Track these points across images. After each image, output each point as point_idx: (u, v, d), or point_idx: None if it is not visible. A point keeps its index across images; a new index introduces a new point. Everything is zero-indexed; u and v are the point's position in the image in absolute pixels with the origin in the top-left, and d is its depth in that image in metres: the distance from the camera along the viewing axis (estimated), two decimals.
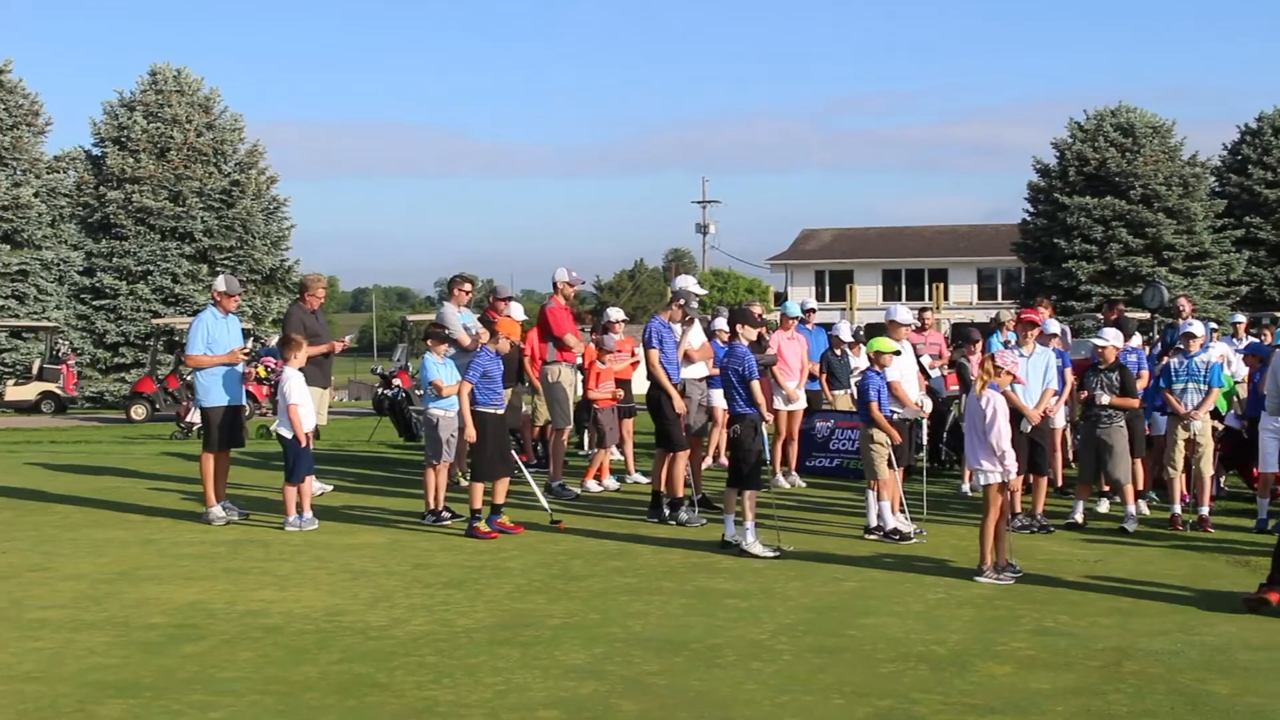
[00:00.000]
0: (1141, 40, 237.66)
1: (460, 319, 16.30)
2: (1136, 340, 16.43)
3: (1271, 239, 48.39)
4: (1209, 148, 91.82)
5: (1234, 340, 19.53)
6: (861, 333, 21.55)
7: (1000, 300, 63.21)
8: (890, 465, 13.72)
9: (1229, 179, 50.12)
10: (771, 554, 12.71)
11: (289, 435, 14.20)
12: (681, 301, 15.19)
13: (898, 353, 13.98)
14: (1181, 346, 14.70)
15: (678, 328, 15.12)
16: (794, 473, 17.81)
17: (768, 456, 15.67)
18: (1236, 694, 8.33)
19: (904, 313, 14.93)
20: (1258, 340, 19.00)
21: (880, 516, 13.69)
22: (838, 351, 18.45)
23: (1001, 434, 11.76)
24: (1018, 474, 12.34)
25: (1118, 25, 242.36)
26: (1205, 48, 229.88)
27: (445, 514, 14.64)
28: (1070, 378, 15.46)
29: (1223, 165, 51.16)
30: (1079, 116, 48.09)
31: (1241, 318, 19.87)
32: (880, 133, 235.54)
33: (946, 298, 67.37)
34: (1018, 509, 14.19)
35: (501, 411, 14.20)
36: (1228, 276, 46.61)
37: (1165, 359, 15.12)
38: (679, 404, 14.52)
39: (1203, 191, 47.48)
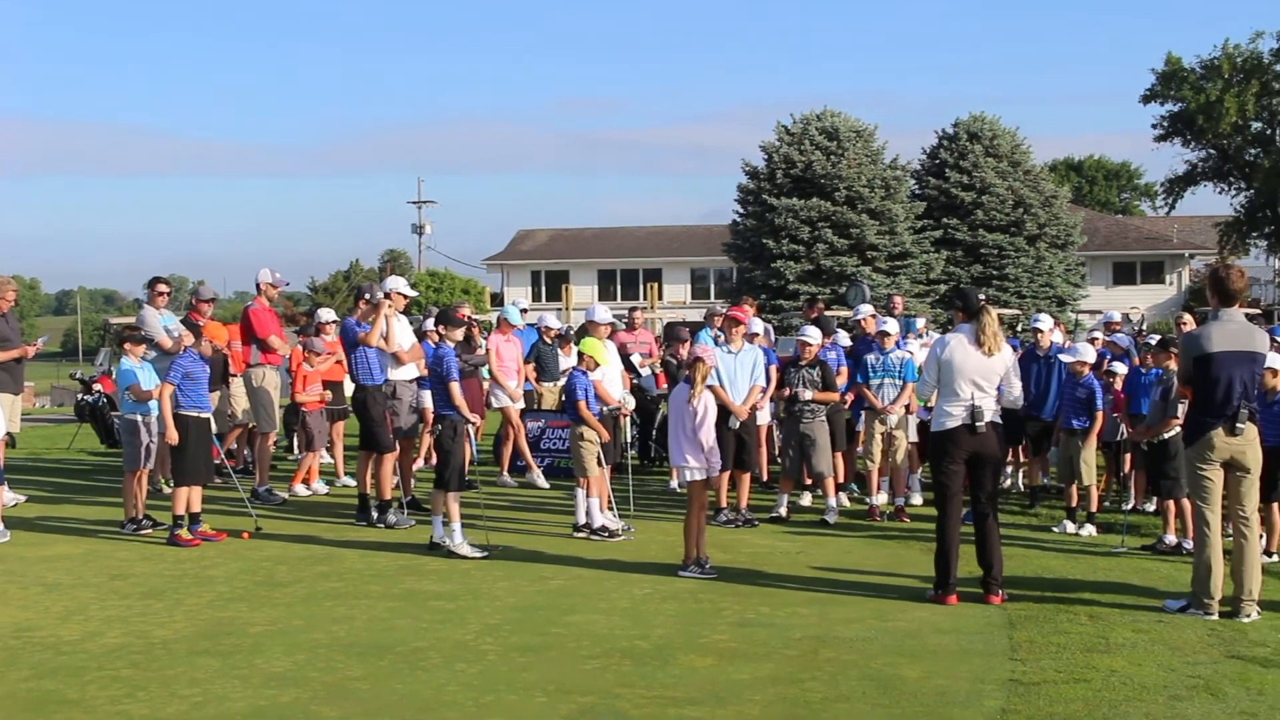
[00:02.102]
0: (845, 48, 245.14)
1: (161, 321, 15.83)
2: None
3: (967, 239, 50.28)
4: (909, 152, 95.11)
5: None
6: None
7: (713, 299, 64.17)
8: (599, 463, 13.83)
9: (928, 182, 51.80)
10: (480, 554, 12.69)
11: None
12: (366, 297, 14.95)
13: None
14: (877, 343, 15.15)
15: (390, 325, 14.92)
16: (534, 470, 17.72)
17: (476, 455, 15.62)
18: (925, 676, 8.64)
19: (603, 313, 15.07)
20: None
21: (589, 514, 13.78)
22: (547, 340, 18.54)
23: (711, 432, 11.98)
24: (723, 469, 12.59)
25: (824, 32, 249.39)
26: (905, 56, 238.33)
27: (146, 522, 14.21)
28: (774, 374, 15.78)
29: (922, 169, 52.89)
30: (787, 121, 49.31)
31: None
32: (600, 135, 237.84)
33: (661, 297, 68.27)
34: (723, 504, 14.49)
35: (206, 415, 13.87)
36: (927, 275, 48.21)
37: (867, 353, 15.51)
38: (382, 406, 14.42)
39: (903, 194, 48.97)
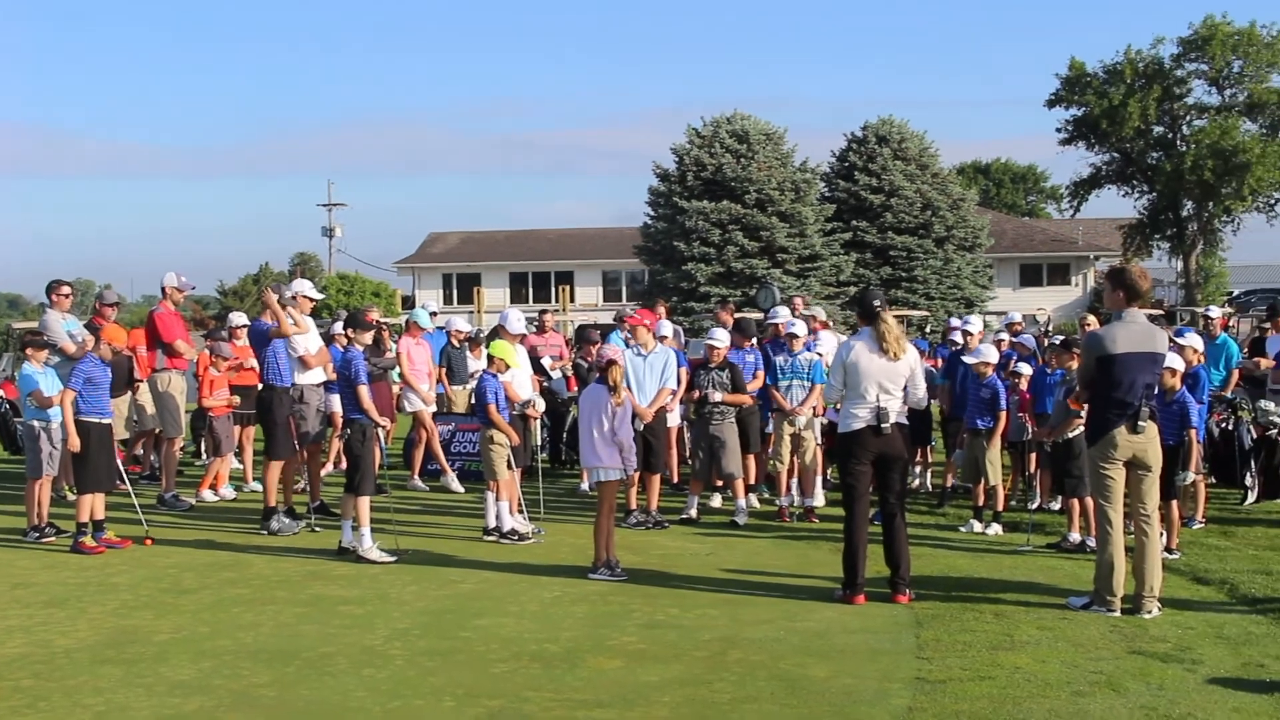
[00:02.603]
0: (756, 50, 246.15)
1: (65, 325, 15.59)
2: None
3: (876, 242, 50.70)
4: (818, 155, 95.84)
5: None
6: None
7: (625, 302, 64.21)
8: (509, 466, 13.80)
9: (837, 184, 52.18)
10: (389, 559, 12.63)
11: None
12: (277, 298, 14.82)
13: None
14: (786, 345, 15.22)
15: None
16: (449, 474, 17.63)
17: (386, 460, 15.54)
18: (832, 675, 8.71)
19: (516, 322, 15.01)
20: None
21: (498, 517, 13.75)
22: (456, 344, 18.50)
23: (630, 432, 12.09)
24: (634, 471, 12.65)
25: (736, 35, 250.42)
26: (815, 59, 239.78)
27: (49, 530, 14.02)
28: (684, 376, 15.80)
29: (831, 171, 53.28)
30: (698, 124, 49.49)
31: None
32: (513, 137, 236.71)
33: (573, 299, 68.07)
34: (633, 506, 14.52)
35: (108, 420, 13.71)
36: (837, 277, 48.54)
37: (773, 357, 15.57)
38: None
39: (813, 196, 49.26)
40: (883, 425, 10.78)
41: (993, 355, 14.81)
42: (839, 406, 11.45)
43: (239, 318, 18.46)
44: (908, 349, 10.98)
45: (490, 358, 14.03)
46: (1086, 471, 10.75)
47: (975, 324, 16.10)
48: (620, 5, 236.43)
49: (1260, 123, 71.16)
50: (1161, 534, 12.33)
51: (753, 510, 15.16)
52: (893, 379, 10.83)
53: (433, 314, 19.92)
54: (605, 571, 11.84)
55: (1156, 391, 10.68)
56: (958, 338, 16.55)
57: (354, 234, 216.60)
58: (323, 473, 16.33)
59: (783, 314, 16.47)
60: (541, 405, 15.41)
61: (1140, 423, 10.18)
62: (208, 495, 16.71)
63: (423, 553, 13.02)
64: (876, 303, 11.12)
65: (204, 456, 18.62)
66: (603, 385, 12.12)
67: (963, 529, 14.22)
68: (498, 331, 15.14)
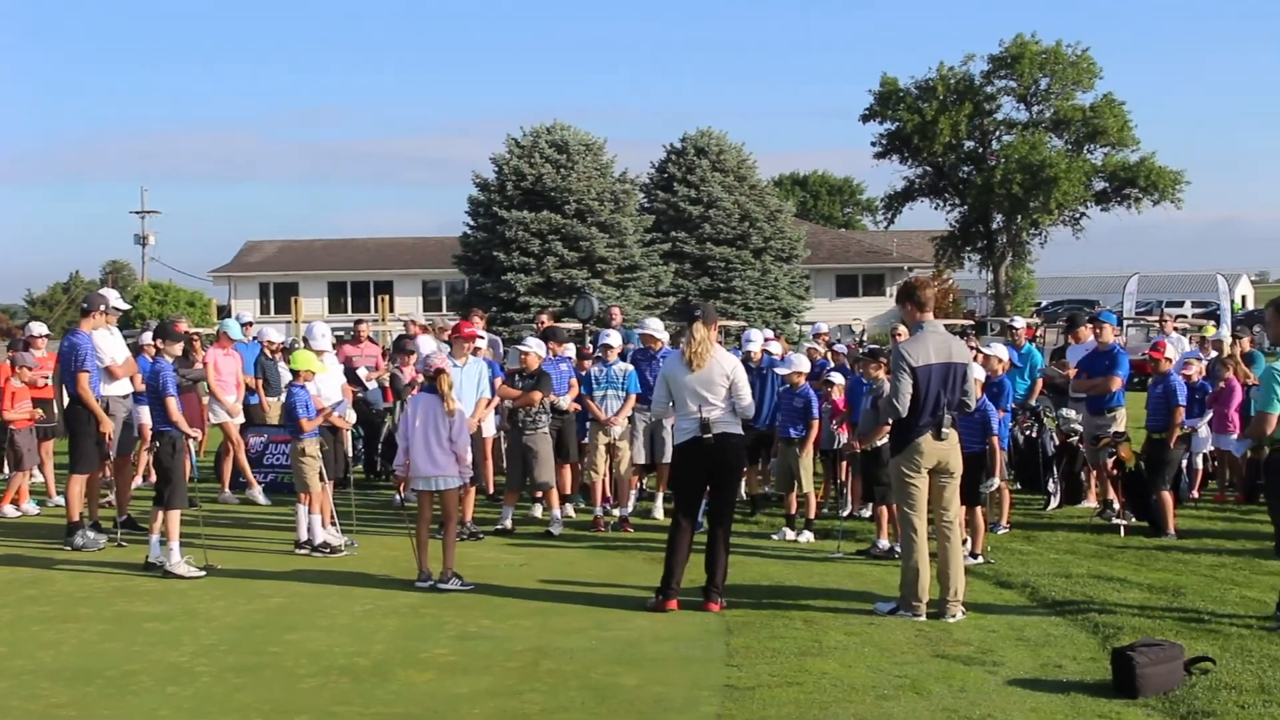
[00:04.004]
0: (576, 62, 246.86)
1: None
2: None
3: (695, 252, 51.07)
4: (638, 166, 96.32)
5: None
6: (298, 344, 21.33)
7: (445, 311, 63.87)
8: (321, 478, 13.64)
9: (657, 195, 52.46)
10: (197, 573, 12.40)
11: None
12: (101, 308, 14.50)
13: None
14: (601, 355, 15.26)
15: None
16: (254, 487, 17.33)
17: (197, 472, 15.25)
18: (643, 684, 8.76)
19: (321, 337, 14.85)
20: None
21: (310, 530, 13.58)
22: (268, 355, 18.25)
23: (467, 439, 12.26)
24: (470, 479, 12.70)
25: (557, 46, 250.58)
26: (635, 72, 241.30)
27: None
28: (498, 385, 15.73)
29: (650, 182, 53.57)
30: (518, 134, 49.38)
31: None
32: (332, 145, 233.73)
33: (392, 309, 67.48)
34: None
35: None
36: (656, 288, 48.80)
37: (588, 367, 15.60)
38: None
39: (632, 207, 49.46)
40: (706, 435, 10.87)
41: (804, 365, 15.04)
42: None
43: (39, 327, 17.97)
44: (713, 359, 11.04)
45: (295, 371, 13.86)
46: (891, 479, 10.95)
47: (756, 338, 16.28)
48: (439, 13, 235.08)
49: (1066, 139, 73.43)
50: (966, 539, 12.68)
51: (568, 520, 15.17)
52: (709, 389, 10.93)
53: (247, 324, 19.61)
54: (457, 582, 11.77)
55: (971, 403, 10.93)
56: (753, 348, 16.62)
57: (168, 242, 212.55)
58: (132, 485, 15.94)
59: (653, 325, 16.55)
60: (353, 416, 15.24)
61: (944, 430, 10.44)
62: (9, 511, 16.23)
63: (233, 567, 12.80)
64: (696, 312, 11.25)
65: (4, 471, 18.08)
66: (432, 394, 12.06)
67: (775, 537, 14.40)
68: (342, 340, 14.97)
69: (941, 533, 10.61)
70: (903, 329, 18.38)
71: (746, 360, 15.74)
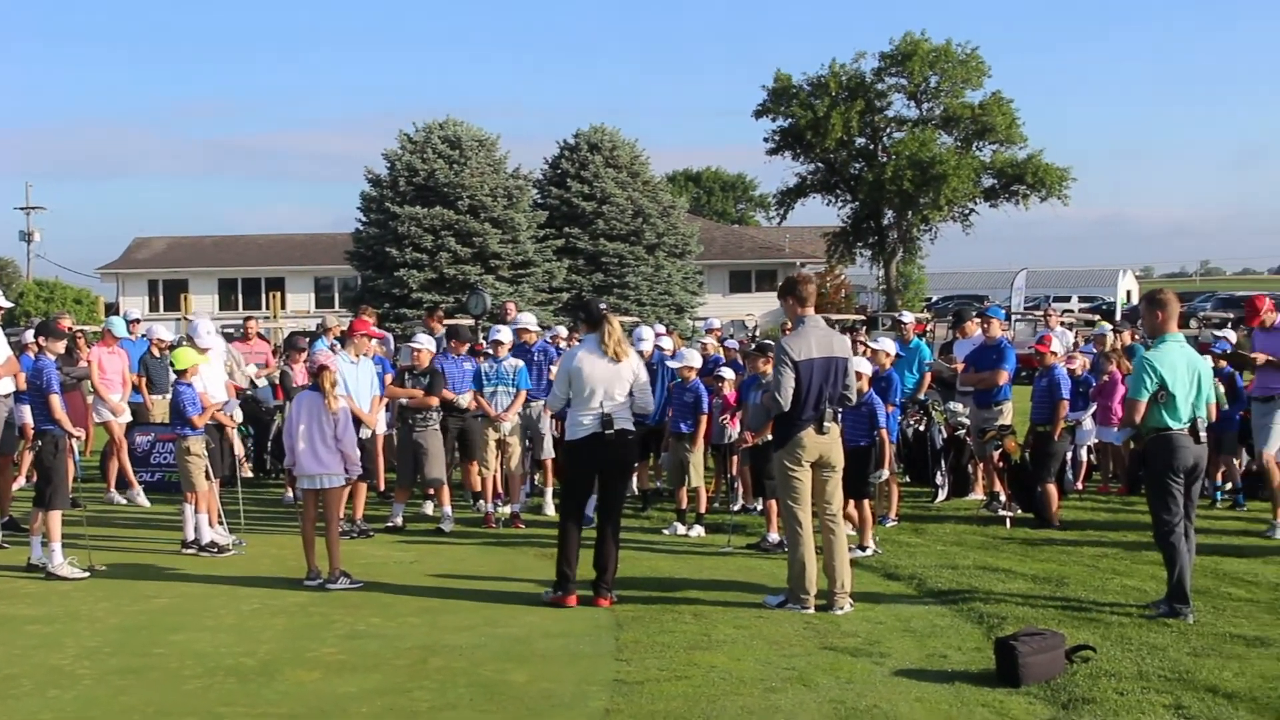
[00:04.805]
0: (471, 56, 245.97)
1: None
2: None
3: (589, 248, 51.09)
4: (531, 162, 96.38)
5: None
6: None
7: (337, 308, 63.31)
8: (207, 476, 13.49)
9: (550, 191, 52.42)
10: (81, 575, 12.21)
11: None
12: None
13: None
14: (491, 352, 15.20)
15: None
16: (135, 487, 17.05)
17: (80, 471, 15.01)
18: (532, 680, 8.75)
19: (206, 335, 14.65)
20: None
21: (197, 530, 13.43)
22: (155, 353, 17.99)
23: (353, 438, 12.14)
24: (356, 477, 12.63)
25: (450, 40, 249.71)
26: (528, 67, 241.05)
27: None
28: (388, 382, 15.65)
29: (544, 178, 53.54)
30: (410, 129, 49.12)
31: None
32: (223, 140, 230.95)
33: (284, 306, 66.95)
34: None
35: None
36: (550, 284, 48.76)
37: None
38: None
39: (526, 203, 49.39)
40: (607, 431, 10.89)
41: (696, 360, 15.10)
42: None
43: None
44: (629, 353, 11.13)
45: (182, 369, 13.66)
46: (775, 473, 11.03)
47: (647, 335, 16.36)
48: (332, 6, 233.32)
49: (955, 136, 74.24)
50: (856, 531, 12.83)
51: (459, 517, 15.12)
52: (617, 384, 10.96)
53: (134, 321, 19.33)
54: (346, 580, 11.69)
55: (853, 397, 11.04)
56: (645, 347, 16.70)
57: (54, 239, 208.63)
58: (14, 486, 15.66)
59: (526, 319, 16.54)
60: (240, 416, 15.08)
61: (826, 424, 10.54)
62: None
63: (117, 567, 12.62)
64: (604, 307, 11.27)
65: None
66: (316, 392, 11.97)
67: (666, 531, 14.44)
68: (229, 337, 14.79)
69: (826, 526, 10.71)
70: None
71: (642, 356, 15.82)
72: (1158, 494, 10.41)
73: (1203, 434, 10.38)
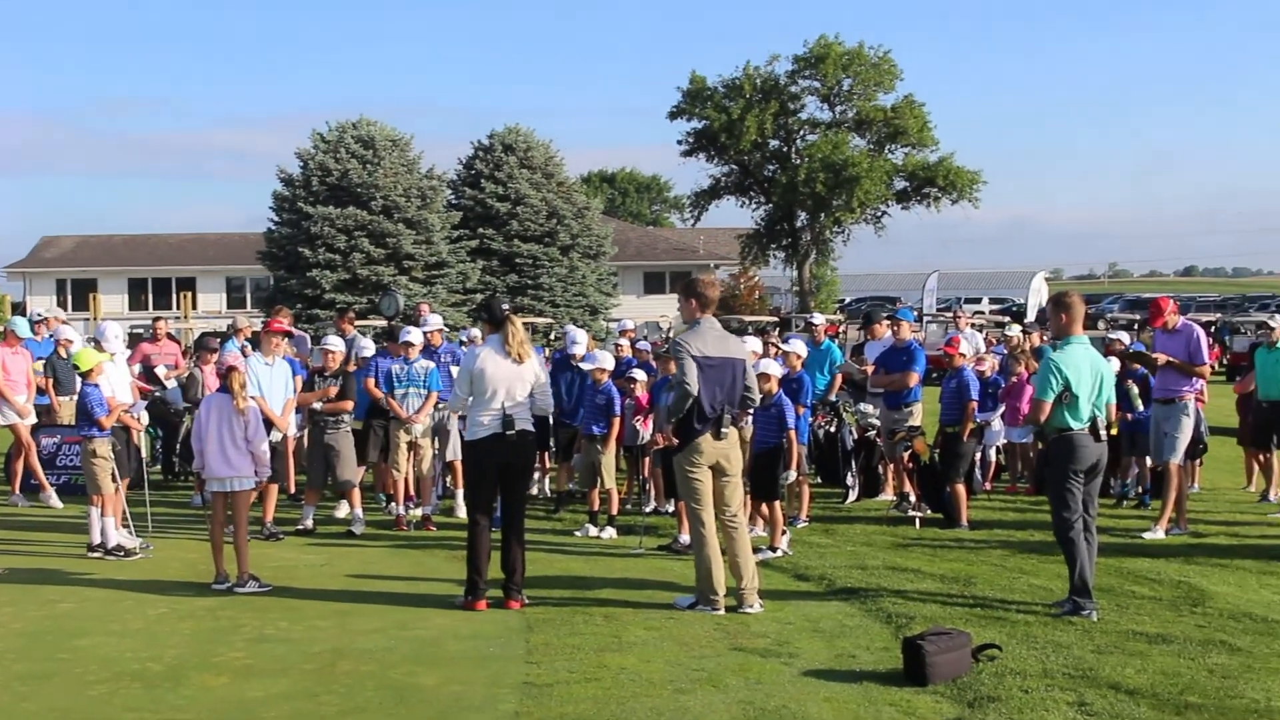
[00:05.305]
0: (385, 57, 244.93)
1: None
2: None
3: (503, 249, 51.08)
4: (445, 162, 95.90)
5: None
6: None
7: (249, 309, 62.81)
8: (114, 479, 13.33)
9: (464, 192, 52.36)
10: None
11: None
12: None
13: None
14: (403, 354, 15.13)
15: None
16: (47, 490, 16.79)
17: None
18: (442, 683, 8.73)
19: (112, 340, 14.50)
20: None
21: (104, 533, 13.26)
22: (62, 353, 17.77)
23: (264, 440, 12.04)
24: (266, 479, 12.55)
25: (364, 40, 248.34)
26: (442, 68, 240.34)
27: None
28: (299, 384, 15.51)
29: (458, 179, 53.44)
30: (324, 128, 48.82)
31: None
32: (133, 138, 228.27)
33: (195, 306, 66.34)
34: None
35: None
36: (464, 285, 48.67)
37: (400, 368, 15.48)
38: None
39: (440, 204, 49.29)
40: (508, 432, 10.88)
41: (609, 362, 15.11)
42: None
43: None
44: (531, 353, 11.15)
45: (85, 370, 13.48)
46: (676, 476, 11.08)
47: (581, 336, 16.43)
48: (245, 4, 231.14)
49: (868, 139, 74.73)
50: (762, 530, 12.93)
51: (371, 519, 15.02)
52: (519, 384, 10.95)
53: (40, 321, 19.07)
54: (255, 584, 11.59)
55: (755, 397, 11.10)
56: (579, 350, 16.79)
57: None
58: None
59: (434, 320, 16.50)
60: (145, 418, 14.91)
61: (723, 429, 10.62)
62: None
63: (21, 571, 12.44)
64: (506, 307, 11.26)
65: None
66: (226, 393, 11.87)
67: (578, 533, 14.43)
68: (139, 337, 14.62)
69: (727, 530, 10.76)
70: None
71: (570, 360, 15.85)
72: (1058, 492, 10.59)
73: (1102, 433, 10.55)
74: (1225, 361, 35.97)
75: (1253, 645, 9.47)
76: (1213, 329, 41.57)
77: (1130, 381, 15.01)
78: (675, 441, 10.84)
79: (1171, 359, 14.04)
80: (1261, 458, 16.88)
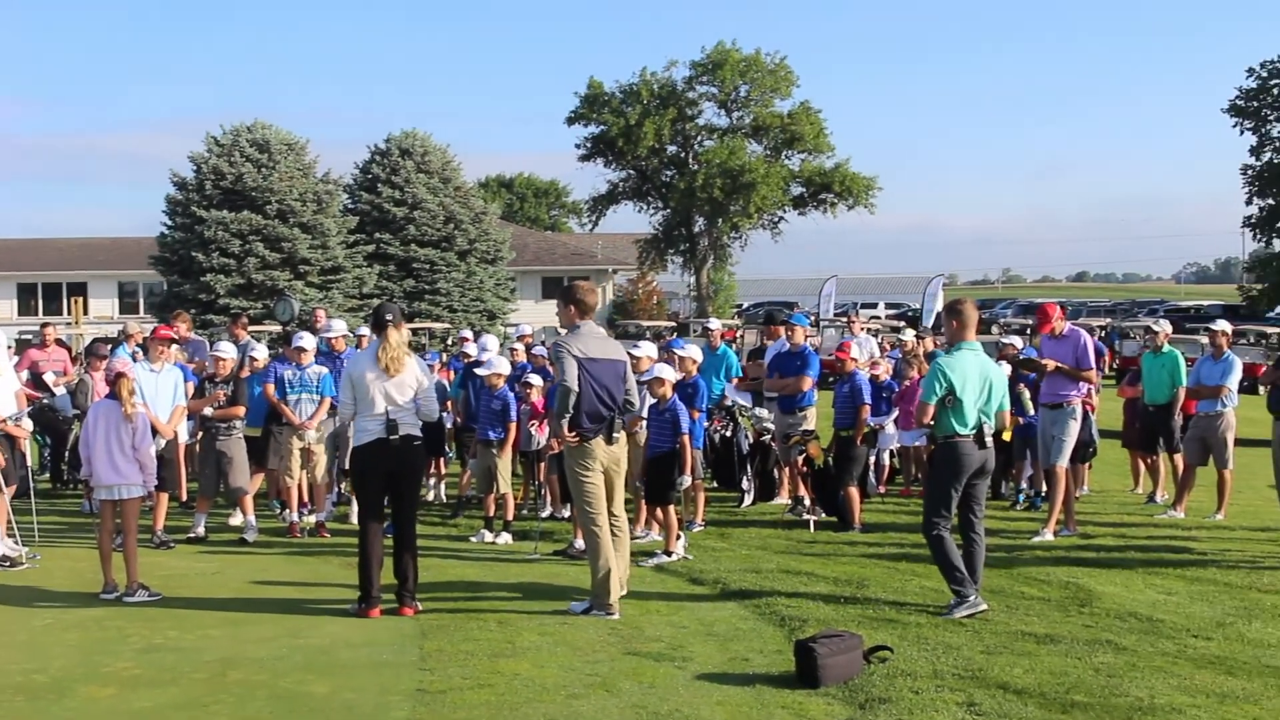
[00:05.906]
0: (278, 60, 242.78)
1: None
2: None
3: (399, 254, 50.80)
4: (341, 166, 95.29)
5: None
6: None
7: (142, 314, 61.95)
8: None
9: (360, 197, 52.07)
10: None
11: None
12: None
13: None
14: (296, 360, 15.01)
15: None
16: None
17: None
18: (334, 692, 8.66)
19: None
20: None
21: None
22: None
23: (151, 447, 11.87)
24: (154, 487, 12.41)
25: (259, 44, 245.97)
26: (338, 72, 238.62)
27: None
28: (190, 390, 15.34)
29: (354, 183, 53.12)
30: (218, 132, 48.28)
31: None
32: (21, 141, 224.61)
33: (86, 311, 65.31)
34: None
35: None
36: (360, 290, 48.34)
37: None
38: None
39: (336, 208, 48.95)
40: (392, 437, 10.82)
41: (504, 367, 15.08)
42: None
43: None
44: (407, 363, 11.03)
45: None
46: (569, 481, 11.11)
47: (491, 348, 16.43)
48: (136, 6, 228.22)
49: (764, 145, 75.23)
50: (657, 535, 12.98)
51: (264, 526, 14.88)
52: (400, 390, 10.89)
53: None
54: (144, 593, 11.43)
55: (635, 401, 11.18)
56: (470, 350, 16.81)
57: None
58: None
59: (338, 326, 16.48)
60: (29, 425, 14.67)
61: (615, 434, 10.70)
62: None
63: None
64: (389, 316, 11.16)
65: None
66: (114, 400, 11.71)
67: (474, 539, 14.38)
68: (27, 343, 14.36)
69: (609, 530, 10.86)
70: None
71: (476, 361, 15.84)
72: (935, 496, 10.82)
73: (988, 440, 10.70)
74: (1115, 366, 36.55)
75: (1137, 644, 9.64)
76: (1103, 334, 42.30)
77: (1022, 385, 15.22)
78: (559, 447, 10.87)
79: (1060, 364, 14.25)
80: (1148, 460, 17.21)
